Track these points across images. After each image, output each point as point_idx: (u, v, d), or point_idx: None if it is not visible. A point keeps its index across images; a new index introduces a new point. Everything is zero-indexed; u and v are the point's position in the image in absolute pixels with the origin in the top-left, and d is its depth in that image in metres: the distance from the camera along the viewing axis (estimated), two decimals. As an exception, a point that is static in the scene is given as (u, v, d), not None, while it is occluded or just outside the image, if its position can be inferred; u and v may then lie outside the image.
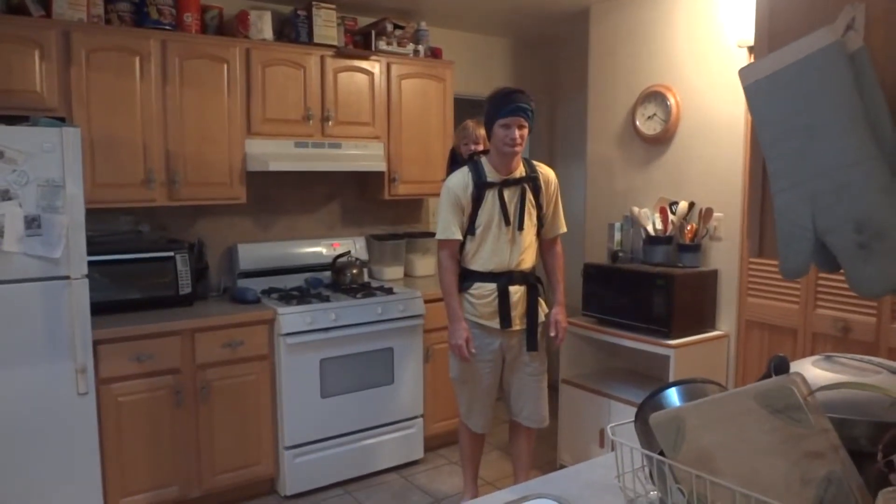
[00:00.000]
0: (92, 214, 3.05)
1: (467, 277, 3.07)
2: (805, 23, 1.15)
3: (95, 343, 2.94)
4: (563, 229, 3.21)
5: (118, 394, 3.06)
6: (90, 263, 2.89)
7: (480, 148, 3.28)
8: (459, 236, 3.02)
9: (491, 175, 3.01)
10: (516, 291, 3.03)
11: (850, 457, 1.07)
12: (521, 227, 3.03)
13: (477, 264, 3.05)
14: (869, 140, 1.06)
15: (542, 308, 3.15)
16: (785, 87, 1.11)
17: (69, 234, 2.77)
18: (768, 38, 1.24)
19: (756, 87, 1.14)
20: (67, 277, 2.80)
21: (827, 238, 1.07)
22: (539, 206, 3.08)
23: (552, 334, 3.14)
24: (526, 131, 2.94)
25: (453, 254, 3.05)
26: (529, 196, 3.04)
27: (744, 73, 1.16)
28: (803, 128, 1.09)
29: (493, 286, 3.02)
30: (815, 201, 1.08)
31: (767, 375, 1.26)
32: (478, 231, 3.02)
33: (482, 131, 3.26)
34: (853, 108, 1.07)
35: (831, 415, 1.13)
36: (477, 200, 3.00)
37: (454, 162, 3.39)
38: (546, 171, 3.14)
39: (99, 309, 3.06)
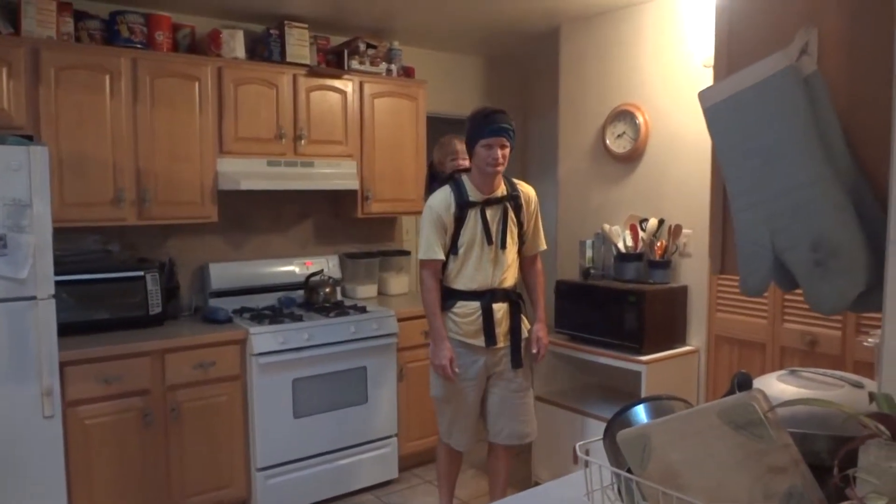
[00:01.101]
0: (60, 234, 3.01)
1: (450, 296, 3.06)
2: (761, 47, 1.19)
3: (62, 365, 2.89)
4: (544, 246, 3.24)
5: (85, 416, 3.01)
6: (57, 284, 2.85)
7: (467, 164, 3.26)
8: (442, 256, 3.02)
9: (473, 194, 3.02)
10: (499, 309, 3.04)
11: (811, 471, 1.09)
12: (503, 246, 3.05)
13: (460, 283, 3.05)
14: (823, 161, 1.09)
15: (525, 324, 3.16)
16: (742, 109, 1.14)
17: (36, 254, 2.73)
18: (727, 62, 1.28)
19: (715, 109, 1.17)
20: (34, 298, 2.76)
21: (785, 256, 1.10)
22: (520, 224, 3.11)
23: (534, 351, 3.15)
24: (508, 151, 2.96)
25: (436, 273, 3.05)
26: (511, 214, 3.06)
27: (703, 95, 1.19)
28: (760, 149, 1.12)
29: (476, 304, 3.02)
30: (773, 221, 1.11)
31: (731, 392, 1.28)
32: (460, 250, 3.02)
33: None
34: (808, 130, 1.10)
35: (793, 430, 1.15)
36: (459, 220, 3.00)
37: (434, 179, 3.39)
38: (527, 190, 3.17)
39: (67, 330, 3.01)
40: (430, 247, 3.00)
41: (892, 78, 1.00)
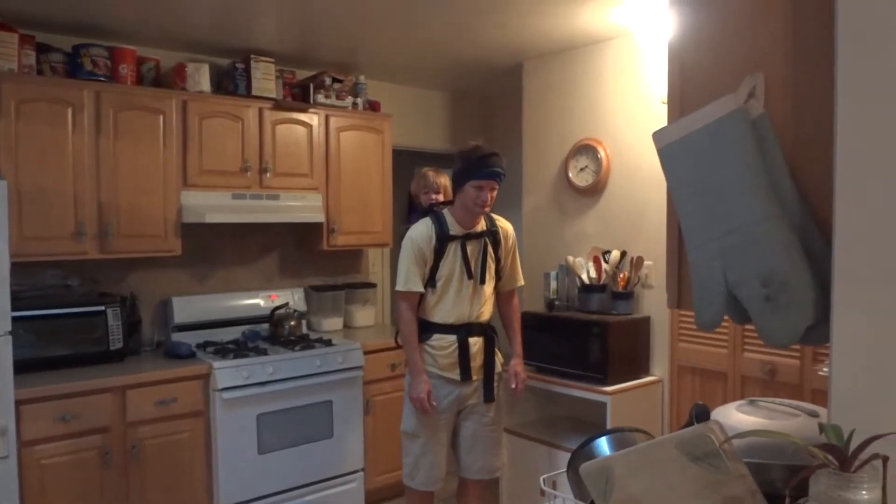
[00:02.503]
0: (17, 269, 2.95)
1: (426, 329, 3.04)
2: (712, 90, 1.24)
3: (18, 403, 2.81)
4: (521, 282, 3.26)
5: (42, 456, 2.93)
6: (14, 319, 2.78)
7: (441, 198, 3.29)
8: (422, 288, 3.00)
9: (454, 228, 3.02)
10: (475, 343, 3.04)
11: (767, 500, 1.12)
12: (482, 281, 3.06)
13: (437, 316, 3.03)
14: (772, 199, 1.13)
15: (499, 358, 3.16)
16: (694, 150, 1.19)
17: (-8, 290, 2.67)
18: (680, 104, 1.33)
19: (668, 149, 1.22)
20: (-11, 334, 2.69)
21: (737, 292, 1.14)
22: (498, 260, 3.13)
23: (512, 385, 3.13)
24: (496, 192, 2.99)
25: (414, 305, 3.02)
26: (490, 250, 3.08)
27: (657, 136, 1.24)
28: (711, 189, 1.16)
29: (453, 338, 3.01)
30: (725, 257, 1.15)
31: (690, 423, 1.31)
32: (439, 283, 3.01)
33: (442, 180, 3.35)
34: (757, 170, 1.15)
35: (749, 459, 1.19)
36: (439, 253, 2.99)
37: (413, 210, 3.41)
38: (505, 225, 3.19)
39: (24, 367, 2.94)
40: (409, 278, 2.99)
41: (833, 119, 1.05)
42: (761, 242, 1.12)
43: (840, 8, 1.03)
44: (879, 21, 1.00)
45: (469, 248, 3.03)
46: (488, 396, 3.08)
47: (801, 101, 1.18)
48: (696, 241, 1.19)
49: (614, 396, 3.31)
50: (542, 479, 1.51)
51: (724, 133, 1.16)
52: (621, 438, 1.48)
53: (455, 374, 3.02)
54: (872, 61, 1.01)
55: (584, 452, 1.47)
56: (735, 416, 1.49)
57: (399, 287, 3.01)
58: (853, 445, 0.91)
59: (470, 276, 3.03)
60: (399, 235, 3.23)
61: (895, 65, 0.99)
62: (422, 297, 3.04)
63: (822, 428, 0.97)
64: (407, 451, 3.09)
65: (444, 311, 3.02)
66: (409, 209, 3.51)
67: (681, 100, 1.33)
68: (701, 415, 1.26)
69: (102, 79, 3.38)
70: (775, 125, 1.18)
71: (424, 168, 3.51)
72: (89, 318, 3.30)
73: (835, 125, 1.04)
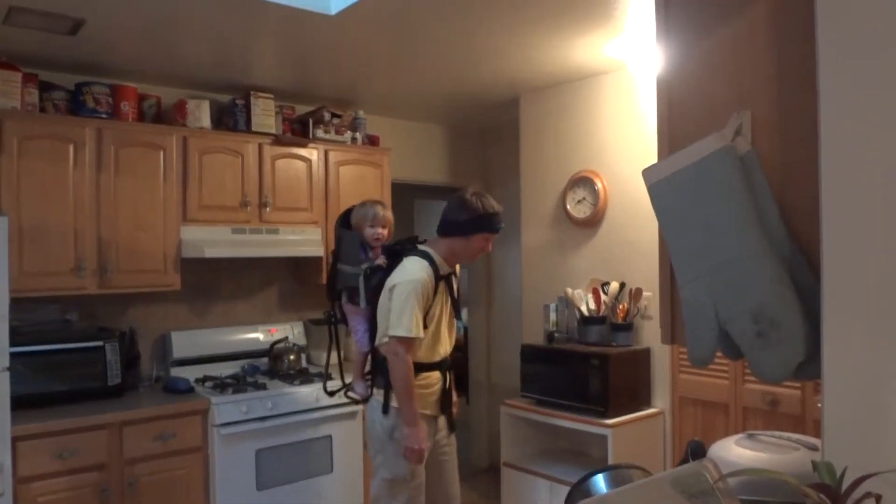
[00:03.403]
0: (17, 304, 2.96)
1: (416, 369, 2.90)
2: (699, 128, 1.26)
3: (14, 440, 2.80)
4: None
5: (38, 493, 2.90)
6: (13, 355, 2.78)
7: (385, 234, 3.20)
8: (423, 335, 2.88)
9: (442, 268, 2.95)
10: (449, 377, 3.03)
11: (763, 539, 1.11)
12: (459, 316, 3.08)
13: (427, 356, 2.93)
14: (760, 235, 1.14)
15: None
16: (683, 187, 1.20)
17: (-9, 327, 2.68)
18: (668, 141, 1.34)
19: (657, 186, 1.23)
20: (-13, 371, 2.69)
21: (728, 327, 1.14)
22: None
23: (454, 410, 3.13)
24: None
25: (413, 352, 2.88)
26: (454, 286, 3.10)
27: (646, 173, 1.25)
28: (701, 225, 1.17)
29: (437, 374, 2.97)
30: (716, 293, 1.15)
31: (686, 460, 1.31)
32: (431, 324, 2.91)
33: (390, 216, 3.25)
34: (745, 206, 1.16)
35: (745, 497, 1.18)
36: (434, 294, 2.92)
37: (363, 247, 3.19)
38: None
39: (22, 402, 2.93)
40: (416, 324, 2.79)
41: (818, 155, 1.07)
42: (751, 278, 1.12)
43: (821, 47, 1.05)
44: (861, 59, 1.02)
45: (453, 286, 3.05)
46: (452, 427, 3.06)
47: (788, 138, 1.19)
48: (686, 277, 1.20)
49: (615, 429, 3.28)
50: (538, 516, 1.50)
51: (712, 170, 1.17)
52: (618, 475, 1.47)
53: (437, 411, 2.97)
54: (855, 98, 1.03)
55: (581, 490, 1.46)
56: (734, 451, 1.48)
57: (402, 333, 2.78)
58: (846, 483, 0.90)
59: (458, 313, 3.08)
60: (356, 274, 3.07)
61: (878, 101, 1.01)
62: None
63: (815, 465, 0.96)
64: (395, 496, 2.91)
65: (431, 349, 2.94)
66: (344, 240, 3.24)
67: (669, 136, 1.35)
68: (696, 451, 1.25)
69: (104, 116, 3.42)
70: (762, 162, 1.19)
71: (370, 200, 3.33)
72: (88, 354, 3.30)
73: (820, 161, 1.06)
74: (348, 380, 3.35)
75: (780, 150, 1.20)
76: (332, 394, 3.44)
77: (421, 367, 2.93)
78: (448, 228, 2.96)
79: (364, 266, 3.06)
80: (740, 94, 1.24)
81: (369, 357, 3.09)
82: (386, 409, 2.87)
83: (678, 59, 1.36)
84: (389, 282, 2.87)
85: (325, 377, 3.46)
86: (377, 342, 2.93)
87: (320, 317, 4.39)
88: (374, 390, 2.97)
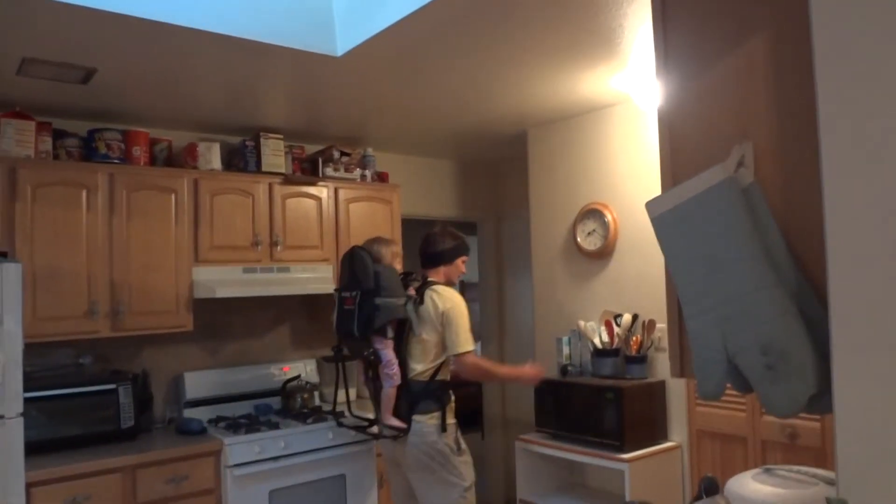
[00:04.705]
0: (30, 349, 2.98)
1: (449, 387, 3.21)
2: (702, 160, 1.25)
3: (29, 486, 2.79)
4: None
5: (51, 540, 2.89)
6: (27, 400, 2.78)
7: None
8: None
9: None
10: None
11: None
12: None
13: (448, 374, 3.23)
14: (767, 267, 1.13)
15: None
16: (687, 219, 1.19)
17: (5, 372, 2.69)
18: (671, 174, 1.34)
19: (661, 219, 1.22)
20: (1, 417, 2.69)
21: (737, 360, 1.13)
22: None
23: None
24: None
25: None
26: None
27: (650, 206, 1.25)
28: (706, 257, 1.16)
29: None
30: (724, 326, 1.14)
31: (699, 497, 1.28)
32: None
33: None
34: (750, 238, 1.15)
35: (760, 535, 1.15)
36: None
37: (400, 278, 3.37)
38: None
39: (35, 448, 2.93)
40: (471, 337, 3.20)
41: (821, 185, 1.06)
42: (758, 311, 1.11)
43: (820, 76, 1.05)
44: (860, 87, 1.02)
45: None
46: None
47: (791, 168, 1.19)
48: (693, 310, 1.19)
49: (632, 464, 3.23)
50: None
51: (715, 202, 1.17)
52: (632, 513, 1.45)
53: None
54: (855, 126, 1.03)
55: (594, 529, 1.44)
56: (750, 486, 1.45)
57: (469, 347, 3.17)
58: (861, 521, 0.88)
59: None
60: (401, 306, 3.22)
61: (878, 129, 1.00)
62: (445, 360, 3.20)
63: (829, 502, 0.94)
64: (471, 501, 3.15)
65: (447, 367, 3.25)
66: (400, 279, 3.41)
67: (672, 169, 1.35)
68: (710, 488, 1.23)
69: (116, 161, 3.47)
70: (766, 193, 1.19)
71: (382, 237, 3.57)
72: (101, 397, 3.30)
73: (823, 190, 1.05)
74: (355, 414, 3.47)
75: (783, 180, 1.19)
76: (359, 429, 3.47)
77: (452, 385, 3.23)
78: (440, 258, 3.33)
79: (405, 298, 3.22)
80: (742, 126, 1.24)
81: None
82: (444, 427, 3.10)
83: (678, 93, 1.37)
84: (435, 308, 3.15)
85: (338, 413, 3.55)
86: (429, 364, 3.16)
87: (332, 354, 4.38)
88: (419, 417, 3.11)
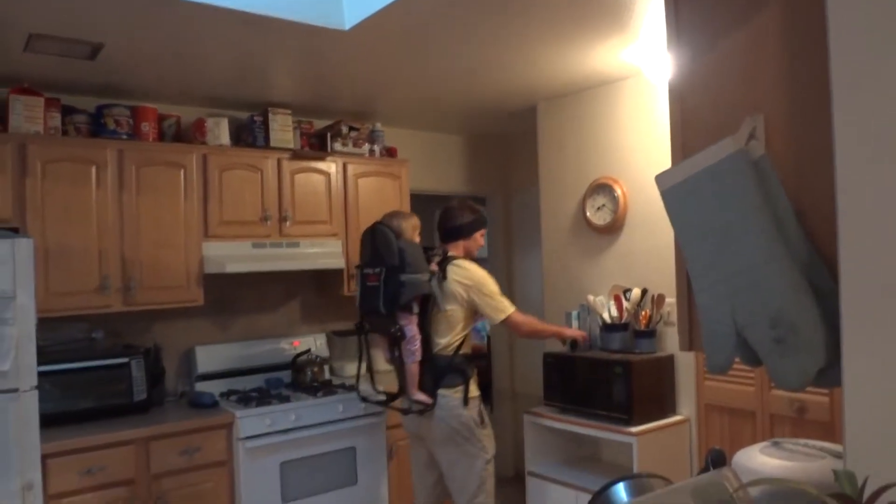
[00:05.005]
0: (44, 323, 3.01)
1: (472, 361, 3.28)
2: (712, 133, 1.24)
3: (44, 457, 2.84)
4: None
5: (67, 510, 2.95)
6: (40, 374, 2.83)
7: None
8: None
9: None
10: None
11: (787, 549, 1.09)
12: None
13: (470, 348, 3.31)
14: (777, 240, 1.13)
15: None
16: (697, 192, 1.19)
17: (19, 346, 2.72)
18: (682, 146, 1.33)
19: (671, 192, 1.22)
20: (16, 390, 2.73)
21: (746, 333, 1.13)
22: None
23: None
24: None
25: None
26: None
27: (660, 179, 1.24)
28: (716, 230, 1.16)
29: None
30: (733, 299, 1.14)
31: (706, 469, 1.29)
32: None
33: None
34: (760, 211, 1.14)
35: (767, 507, 1.16)
36: None
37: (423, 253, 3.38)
38: None
39: (49, 420, 2.98)
40: (506, 299, 3.27)
41: (833, 158, 1.05)
42: (768, 283, 1.11)
43: (833, 48, 1.04)
44: (874, 60, 1.01)
45: None
46: None
47: (802, 141, 1.18)
48: (703, 283, 1.18)
49: (640, 437, 3.25)
50: (560, 528, 1.49)
51: (726, 175, 1.16)
52: (639, 485, 1.46)
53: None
54: (869, 99, 1.01)
55: (601, 499, 1.44)
56: (758, 459, 1.45)
57: (511, 308, 3.24)
58: (867, 494, 0.88)
59: None
60: (425, 282, 3.22)
61: (893, 101, 0.99)
62: (466, 334, 3.26)
63: (836, 475, 0.95)
64: (490, 474, 3.24)
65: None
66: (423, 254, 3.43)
67: (683, 142, 1.34)
68: (717, 460, 1.24)
69: (125, 137, 3.47)
70: (777, 165, 1.18)
71: (401, 210, 3.63)
72: (113, 371, 3.34)
73: (835, 164, 1.04)
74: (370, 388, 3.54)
75: (795, 153, 1.18)
76: (383, 403, 3.50)
77: (473, 358, 3.29)
78: (459, 232, 3.35)
79: (429, 274, 3.23)
80: (753, 98, 1.23)
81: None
82: (466, 401, 3.16)
83: (689, 65, 1.36)
84: (459, 282, 3.19)
85: (357, 386, 3.58)
86: (453, 339, 3.21)
87: (344, 329, 4.41)
88: (444, 391, 3.16)
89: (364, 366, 3.45)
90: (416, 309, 3.18)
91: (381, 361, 4.43)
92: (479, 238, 3.41)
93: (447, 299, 3.18)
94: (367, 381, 3.48)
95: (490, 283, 3.23)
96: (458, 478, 3.18)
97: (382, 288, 3.13)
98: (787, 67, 1.20)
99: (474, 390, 3.21)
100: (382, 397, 3.50)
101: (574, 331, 3.58)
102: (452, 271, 3.21)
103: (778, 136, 1.20)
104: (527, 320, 3.33)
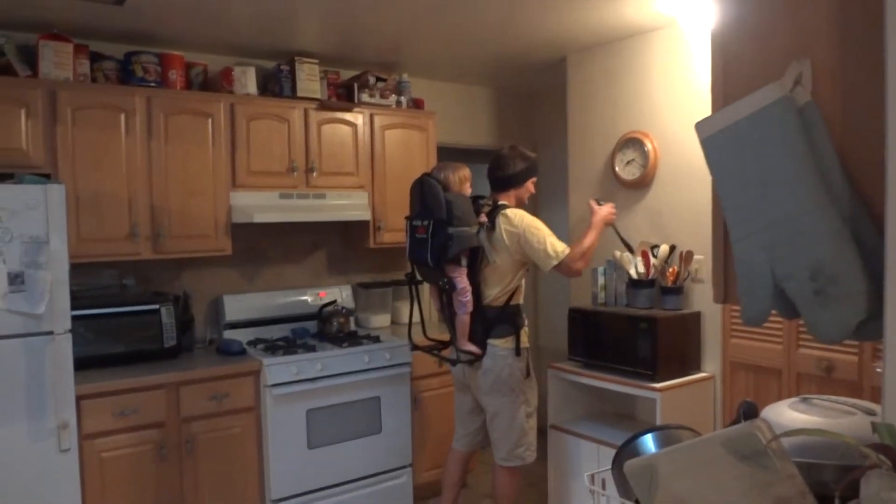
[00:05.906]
0: (76, 269, 3.06)
1: (522, 312, 3.27)
2: (756, 78, 1.20)
3: (78, 398, 2.92)
4: None
5: (101, 449, 3.03)
6: (74, 318, 2.89)
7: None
8: None
9: None
10: None
11: (818, 501, 1.08)
12: None
13: (521, 299, 3.28)
14: (820, 189, 1.10)
15: None
16: (738, 140, 1.15)
17: (53, 290, 2.78)
18: (723, 93, 1.29)
19: (711, 140, 1.19)
20: (51, 333, 2.80)
21: (784, 285, 1.10)
22: None
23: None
24: None
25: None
26: None
27: (700, 126, 1.21)
28: (757, 179, 1.13)
29: None
30: (772, 250, 1.11)
31: (737, 421, 1.28)
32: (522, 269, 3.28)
33: None
34: (803, 159, 1.11)
35: (799, 459, 1.15)
36: None
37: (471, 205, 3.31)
38: None
39: (83, 364, 3.05)
40: (558, 240, 3.19)
41: (884, 105, 1.01)
42: (809, 233, 1.08)
43: (890, -11, 0.99)
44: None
45: None
46: None
47: (850, 87, 1.13)
48: (741, 233, 1.16)
49: (664, 393, 3.25)
50: (586, 476, 1.50)
51: (770, 122, 1.13)
52: (667, 436, 1.46)
53: None
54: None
55: (628, 450, 1.45)
56: (787, 414, 1.44)
57: (563, 250, 3.13)
58: (907, 445, 0.87)
59: None
60: (474, 234, 3.18)
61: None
62: (518, 285, 3.24)
63: (874, 427, 0.93)
64: (532, 426, 3.27)
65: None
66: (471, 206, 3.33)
67: (724, 89, 1.30)
68: (749, 412, 1.23)
69: (153, 84, 3.47)
70: (823, 112, 1.14)
71: (450, 162, 3.43)
72: (144, 317, 3.40)
73: (886, 111, 1.00)
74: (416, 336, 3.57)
75: (842, 100, 1.14)
76: (432, 352, 3.50)
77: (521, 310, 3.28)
78: (510, 181, 3.31)
79: (477, 227, 3.19)
80: (800, 42, 1.18)
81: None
82: (518, 351, 3.17)
83: (734, 8, 1.31)
84: (509, 231, 3.16)
85: (409, 334, 3.56)
86: (503, 289, 3.19)
87: (369, 280, 4.43)
88: (494, 342, 3.17)
89: (415, 314, 3.50)
90: (464, 262, 3.15)
91: (407, 314, 4.47)
92: (531, 186, 3.37)
93: (496, 251, 3.16)
94: (420, 329, 3.55)
95: (539, 228, 3.16)
96: (501, 427, 3.22)
97: (430, 241, 3.10)
98: (838, 9, 1.15)
99: (525, 341, 3.22)
100: (432, 345, 3.51)
101: (602, 214, 3.34)
102: (502, 221, 3.17)
103: (825, 82, 1.16)
104: (581, 253, 3.16)
